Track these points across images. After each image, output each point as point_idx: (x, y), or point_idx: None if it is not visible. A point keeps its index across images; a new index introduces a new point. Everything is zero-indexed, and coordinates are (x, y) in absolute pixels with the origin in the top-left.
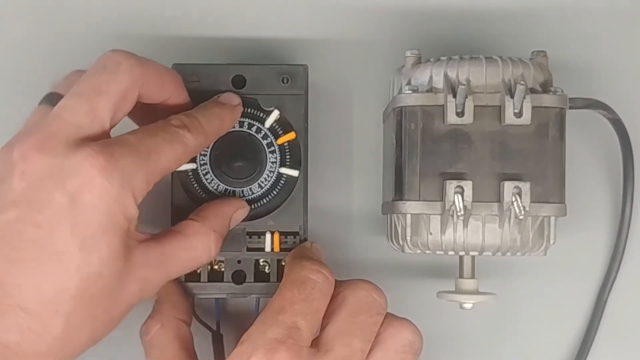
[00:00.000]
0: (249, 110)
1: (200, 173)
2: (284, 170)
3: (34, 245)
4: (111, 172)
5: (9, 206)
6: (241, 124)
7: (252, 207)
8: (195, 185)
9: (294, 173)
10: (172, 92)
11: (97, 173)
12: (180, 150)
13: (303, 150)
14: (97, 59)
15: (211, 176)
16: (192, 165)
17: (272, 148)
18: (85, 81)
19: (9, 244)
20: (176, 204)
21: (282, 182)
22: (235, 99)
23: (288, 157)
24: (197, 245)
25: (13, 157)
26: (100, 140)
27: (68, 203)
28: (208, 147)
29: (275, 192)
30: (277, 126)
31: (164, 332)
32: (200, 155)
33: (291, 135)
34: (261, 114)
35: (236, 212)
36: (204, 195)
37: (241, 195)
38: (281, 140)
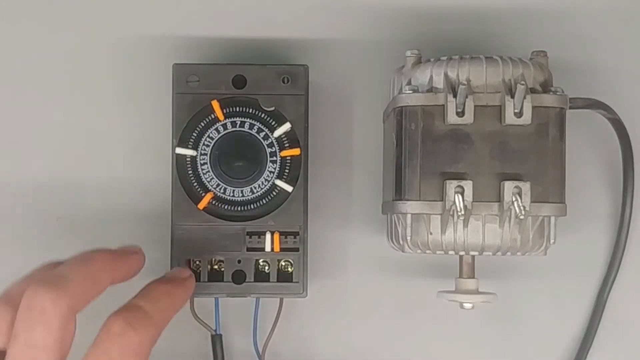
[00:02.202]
0: (253, 111)
1: (201, 172)
2: (279, 182)
3: None
4: None
5: None
6: (242, 124)
7: (248, 207)
8: (195, 184)
9: (288, 188)
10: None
11: None
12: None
13: (303, 151)
14: (25, 308)
15: (211, 175)
16: (192, 152)
17: (274, 158)
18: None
19: None
20: (176, 201)
21: (275, 193)
22: (185, 272)
23: (287, 170)
24: None
25: None
26: None
27: None
28: (209, 147)
29: (264, 201)
30: (285, 138)
31: None
32: (201, 154)
33: (296, 151)
34: (273, 122)
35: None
36: (202, 193)
37: (232, 195)
38: (285, 153)
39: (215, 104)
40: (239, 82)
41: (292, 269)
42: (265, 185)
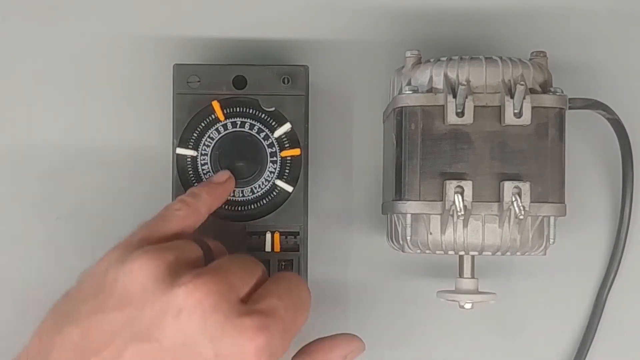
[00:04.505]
0: (253, 111)
1: (201, 172)
2: (279, 182)
3: None
4: (264, 351)
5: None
6: (243, 125)
7: (249, 207)
8: (196, 184)
9: (289, 188)
10: None
11: (253, 351)
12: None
13: (304, 151)
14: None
15: (211, 175)
16: (193, 152)
17: (275, 158)
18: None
19: None
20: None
21: (275, 193)
22: (224, 175)
23: (287, 171)
24: None
25: (183, 322)
26: (252, 303)
27: None
28: (210, 147)
29: (265, 201)
30: (285, 138)
31: None
32: (202, 155)
33: (296, 152)
34: (273, 122)
35: (352, 352)
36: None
37: (232, 195)
38: (285, 153)
39: (215, 105)
40: (240, 82)
41: (292, 269)
42: (266, 186)
